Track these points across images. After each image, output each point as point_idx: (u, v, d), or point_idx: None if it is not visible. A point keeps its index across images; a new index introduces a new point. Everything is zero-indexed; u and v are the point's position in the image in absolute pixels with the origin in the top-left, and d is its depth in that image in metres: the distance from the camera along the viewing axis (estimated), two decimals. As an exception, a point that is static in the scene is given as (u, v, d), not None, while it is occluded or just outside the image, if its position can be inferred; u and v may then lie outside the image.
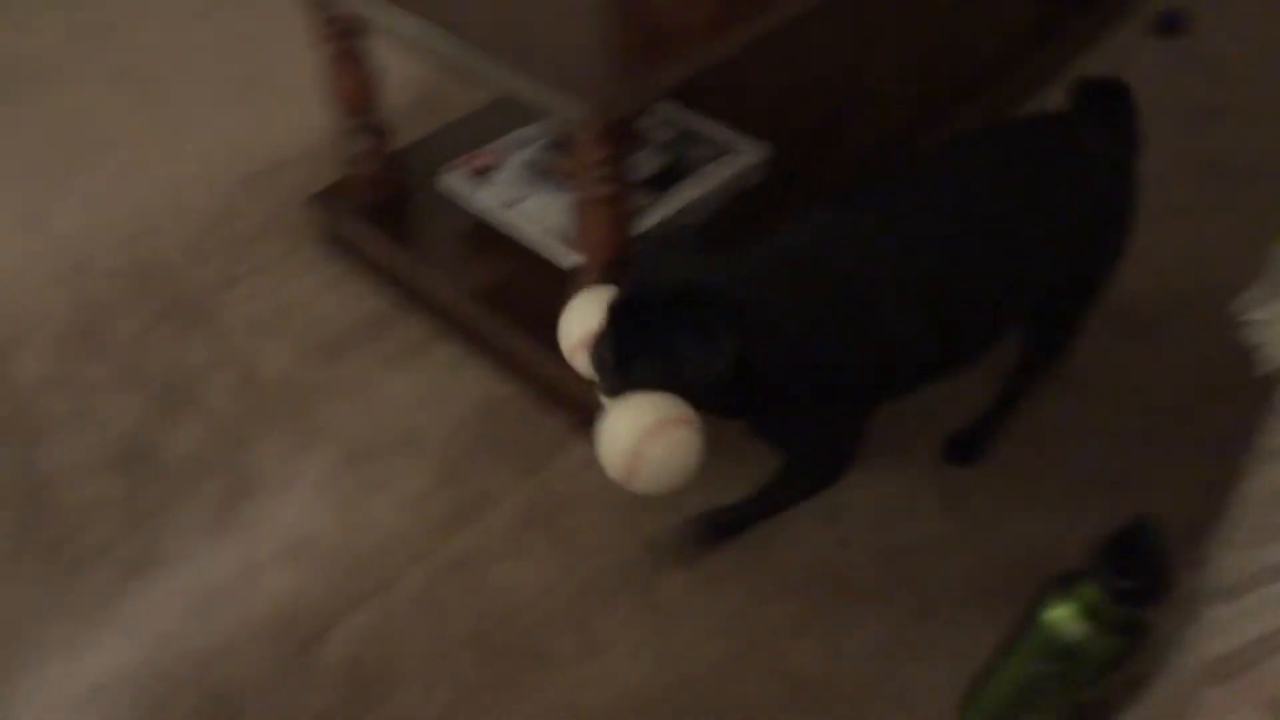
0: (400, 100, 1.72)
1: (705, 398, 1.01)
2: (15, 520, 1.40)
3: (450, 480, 1.44)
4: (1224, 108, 2.09)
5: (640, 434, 0.96)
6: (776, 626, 1.29)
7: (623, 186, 1.31)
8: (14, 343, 1.64)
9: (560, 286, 1.39)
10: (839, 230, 1.10)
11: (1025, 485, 1.43)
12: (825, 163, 1.73)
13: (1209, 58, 2.23)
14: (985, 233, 1.13)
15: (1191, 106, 2.07)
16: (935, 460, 1.45)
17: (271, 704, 1.22)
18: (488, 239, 1.61)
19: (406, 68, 1.85)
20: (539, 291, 1.48)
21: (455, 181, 1.64)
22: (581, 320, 1.09)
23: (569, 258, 1.50)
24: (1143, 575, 0.93)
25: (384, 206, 1.69)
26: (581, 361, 1.09)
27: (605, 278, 1.31)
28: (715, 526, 1.33)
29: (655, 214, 1.55)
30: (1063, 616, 0.97)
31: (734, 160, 1.66)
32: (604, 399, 1.05)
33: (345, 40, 1.49)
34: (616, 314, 1.02)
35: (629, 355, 1.01)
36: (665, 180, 1.61)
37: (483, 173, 1.65)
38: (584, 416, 1.36)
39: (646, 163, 1.63)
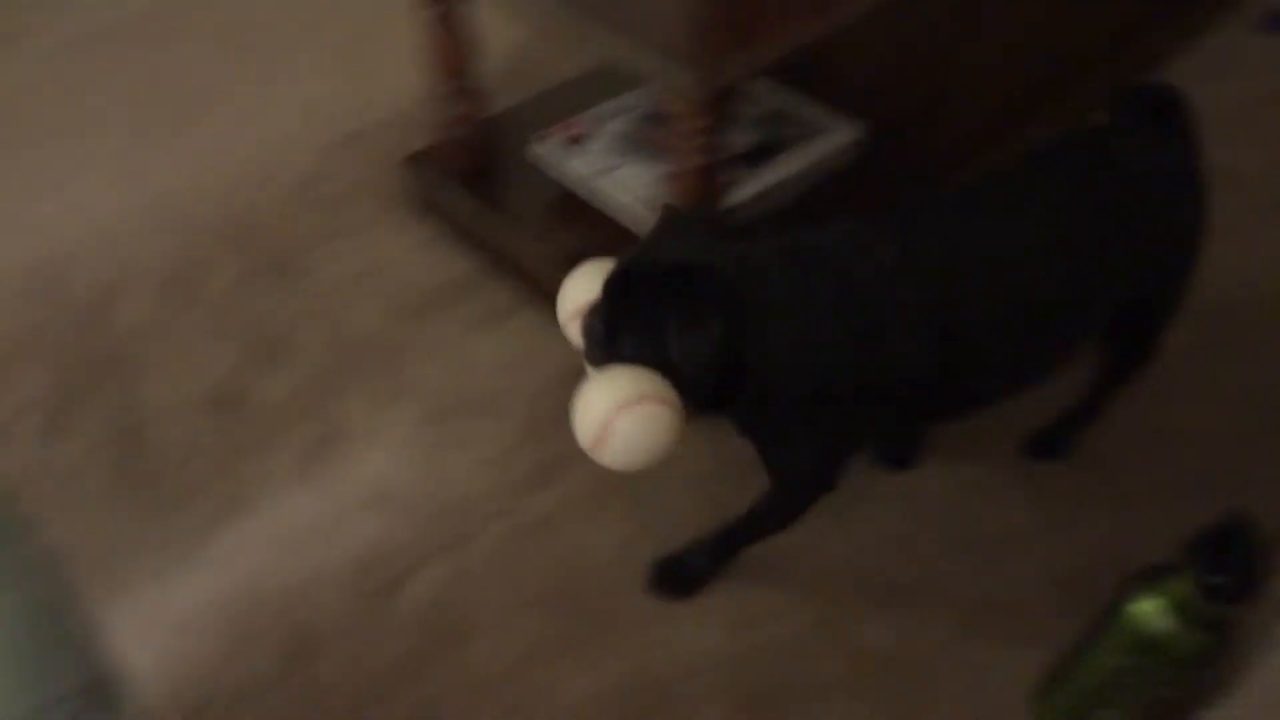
0: (495, 67, 1.74)
1: (690, 381, 0.98)
2: (114, 457, 1.45)
3: (530, 443, 1.46)
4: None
5: (613, 406, 0.94)
6: (847, 604, 1.29)
7: (717, 159, 1.32)
8: (116, 288, 1.70)
9: (649, 256, 1.40)
10: (861, 240, 1.06)
11: (1111, 482, 1.40)
12: (922, 146, 1.71)
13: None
14: (1008, 264, 1.08)
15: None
16: (1020, 451, 1.43)
17: (349, 645, 1.25)
18: (576, 208, 1.62)
19: (502, 35, 1.87)
20: (626, 261, 1.49)
21: (546, 149, 1.66)
22: (581, 290, 1.08)
23: (657, 229, 1.51)
24: (1236, 572, 0.91)
25: (475, 172, 1.71)
26: (573, 331, 1.08)
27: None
28: (686, 565, 1.31)
29: (746, 190, 1.55)
30: (1150, 610, 0.96)
31: (828, 140, 1.65)
32: (590, 369, 1.04)
33: (447, 3, 1.51)
34: (612, 286, 1.00)
35: (618, 329, 0.99)
36: (757, 157, 1.61)
37: (575, 141, 1.66)
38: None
39: (739, 138, 1.63)
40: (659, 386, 0.96)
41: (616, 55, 1.22)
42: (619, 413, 0.94)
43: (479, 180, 1.70)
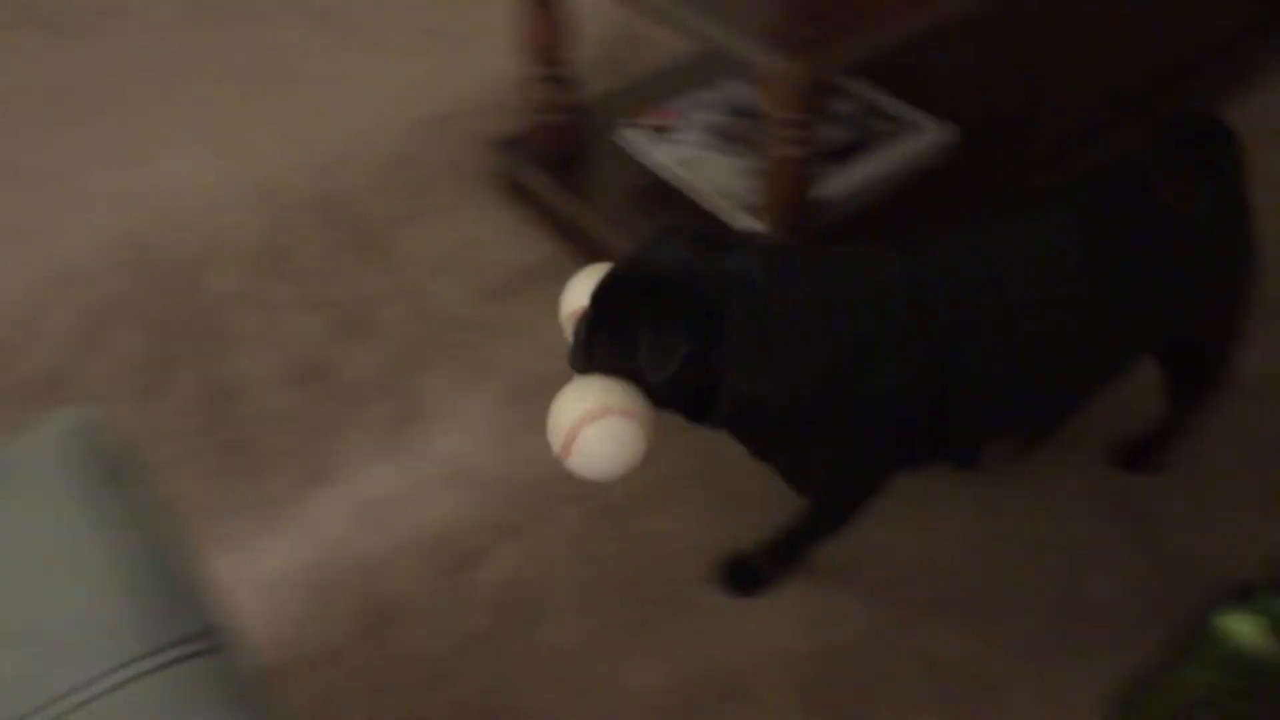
0: (590, 53, 1.75)
1: (662, 394, 0.98)
2: (201, 423, 1.49)
3: (607, 428, 1.46)
4: None
5: (579, 417, 0.95)
6: (923, 607, 1.27)
7: (810, 150, 1.31)
8: (207, 259, 1.74)
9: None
10: (860, 261, 1.04)
11: (1200, 496, 1.37)
12: (1014, 150, 1.68)
13: None
14: (1022, 300, 1.04)
15: None
16: (1107, 461, 1.40)
17: (425, 618, 1.27)
18: (661, 196, 1.62)
19: (597, 22, 1.88)
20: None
21: (635, 136, 1.67)
22: (582, 293, 1.08)
23: (742, 220, 1.50)
24: (1341, 595, 0.89)
25: (562, 156, 1.72)
26: (569, 332, 1.09)
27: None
28: (751, 565, 1.30)
29: (834, 186, 1.54)
30: (1247, 630, 0.93)
31: (917, 139, 1.63)
32: (574, 372, 1.05)
33: (545, -13, 1.53)
34: (596, 295, 1.00)
35: (598, 337, 1.00)
36: (845, 154, 1.60)
37: (663, 130, 1.66)
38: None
39: (829, 134, 1.61)
40: (627, 399, 0.96)
41: (713, 42, 1.22)
42: (583, 424, 0.95)
43: (566, 165, 1.71)
